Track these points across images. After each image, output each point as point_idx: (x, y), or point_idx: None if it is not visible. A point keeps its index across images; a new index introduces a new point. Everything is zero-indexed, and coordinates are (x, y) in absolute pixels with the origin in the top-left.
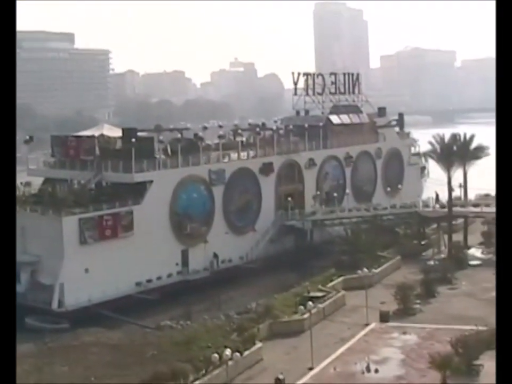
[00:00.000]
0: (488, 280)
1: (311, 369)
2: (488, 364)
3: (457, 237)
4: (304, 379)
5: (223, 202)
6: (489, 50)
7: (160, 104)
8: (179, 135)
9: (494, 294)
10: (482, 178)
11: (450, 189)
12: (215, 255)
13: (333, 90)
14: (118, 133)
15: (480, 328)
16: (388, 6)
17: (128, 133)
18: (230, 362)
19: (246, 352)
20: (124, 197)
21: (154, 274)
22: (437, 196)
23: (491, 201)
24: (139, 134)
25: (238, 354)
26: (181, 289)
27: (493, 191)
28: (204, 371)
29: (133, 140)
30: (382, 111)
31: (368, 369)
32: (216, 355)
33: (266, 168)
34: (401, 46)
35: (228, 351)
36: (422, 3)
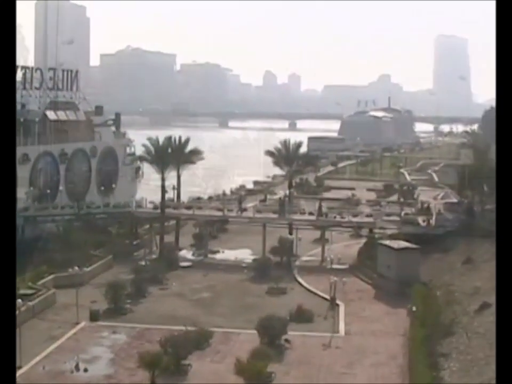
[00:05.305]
0: (197, 281)
1: (19, 368)
2: (196, 363)
3: (169, 238)
4: None
5: None
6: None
7: None
8: None
9: (203, 295)
10: (195, 181)
11: (163, 191)
12: None
13: (51, 85)
14: None
15: (189, 328)
16: (113, 5)
17: None
18: None
19: None
20: None
21: None
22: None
23: (203, 204)
24: None
25: None
26: None
27: (204, 194)
28: None
29: None
30: (99, 110)
31: (77, 368)
32: None
33: None
34: (124, 45)
35: None
36: (148, 4)
